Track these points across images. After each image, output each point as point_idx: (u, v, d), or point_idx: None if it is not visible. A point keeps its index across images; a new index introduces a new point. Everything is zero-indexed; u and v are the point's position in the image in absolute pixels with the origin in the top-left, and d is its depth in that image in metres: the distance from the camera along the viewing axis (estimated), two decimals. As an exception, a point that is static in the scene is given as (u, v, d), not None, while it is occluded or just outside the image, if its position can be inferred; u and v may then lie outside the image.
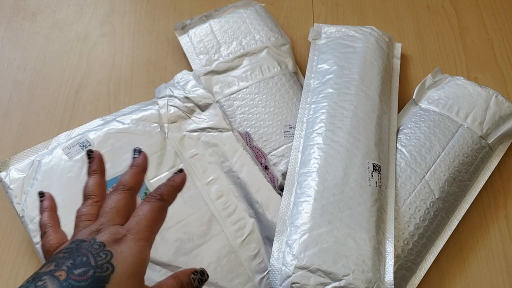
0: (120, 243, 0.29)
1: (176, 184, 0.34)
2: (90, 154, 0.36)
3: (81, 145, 0.49)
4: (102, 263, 0.27)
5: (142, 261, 0.29)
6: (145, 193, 0.47)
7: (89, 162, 0.36)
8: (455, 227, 0.49)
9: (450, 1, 0.69)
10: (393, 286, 0.42)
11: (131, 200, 0.33)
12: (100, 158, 0.36)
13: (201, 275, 0.33)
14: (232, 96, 0.55)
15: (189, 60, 0.59)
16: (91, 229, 0.30)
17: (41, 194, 0.37)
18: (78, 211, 0.33)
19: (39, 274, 0.26)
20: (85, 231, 0.30)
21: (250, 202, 0.48)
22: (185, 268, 0.43)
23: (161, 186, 0.33)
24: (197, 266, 0.44)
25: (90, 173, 0.35)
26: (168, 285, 0.31)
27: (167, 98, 0.53)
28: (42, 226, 0.34)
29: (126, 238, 0.29)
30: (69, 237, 0.33)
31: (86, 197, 0.34)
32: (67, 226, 0.45)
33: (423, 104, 0.54)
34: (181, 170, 0.35)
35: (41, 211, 0.36)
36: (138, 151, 0.36)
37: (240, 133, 0.53)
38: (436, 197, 0.47)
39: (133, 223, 0.30)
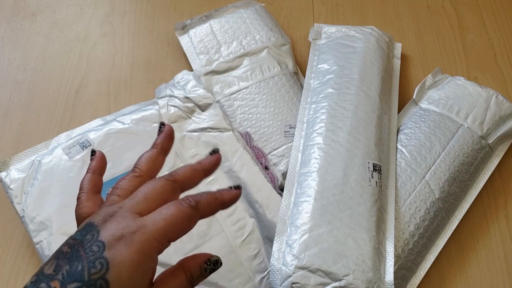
0: (123, 243, 0.26)
1: (222, 199, 0.30)
2: (161, 127, 0.33)
3: (81, 145, 0.49)
4: (96, 279, 0.24)
5: (144, 273, 0.26)
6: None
7: (159, 133, 0.33)
8: (455, 227, 0.49)
9: (450, 1, 0.69)
10: (393, 286, 0.42)
11: (170, 194, 0.29)
12: (169, 133, 0.33)
13: (214, 265, 0.29)
14: (232, 96, 0.55)
15: (189, 60, 0.59)
16: (109, 210, 0.28)
17: (93, 152, 0.34)
18: (119, 180, 0.31)
19: (40, 276, 0.25)
20: (104, 210, 0.28)
21: (250, 202, 0.48)
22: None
23: (203, 194, 0.29)
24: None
25: (153, 144, 0.33)
26: (177, 282, 0.28)
27: (167, 98, 0.53)
28: (79, 188, 0.32)
29: (133, 238, 0.26)
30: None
31: (133, 167, 0.31)
32: (68, 225, 0.45)
33: (423, 104, 0.54)
34: (238, 187, 0.31)
35: (87, 171, 0.33)
36: (215, 151, 0.33)
37: (240, 133, 0.53)
38: (436, 197, 0.47)
39: (150, 219, 0.27)
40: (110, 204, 0.29)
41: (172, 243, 0.29)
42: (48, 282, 0.24)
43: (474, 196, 0.51)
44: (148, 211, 0.28)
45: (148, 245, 0.26)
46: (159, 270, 0.44)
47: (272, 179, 0.50)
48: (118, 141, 0.49)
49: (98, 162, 0.34)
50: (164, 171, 0.48)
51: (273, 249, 0.44)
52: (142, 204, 0.28)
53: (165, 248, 0.28)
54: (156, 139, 0.33)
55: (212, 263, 0.29)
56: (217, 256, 0.30)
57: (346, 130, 0.48)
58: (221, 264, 0.30)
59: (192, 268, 0.29)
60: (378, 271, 0.42)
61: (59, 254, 0.26)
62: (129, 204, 0.28)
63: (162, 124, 0.34)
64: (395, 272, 0.44)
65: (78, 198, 0.31)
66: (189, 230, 0.28)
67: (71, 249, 0.26)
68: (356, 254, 0.42)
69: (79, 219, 0.30)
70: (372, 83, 0.53)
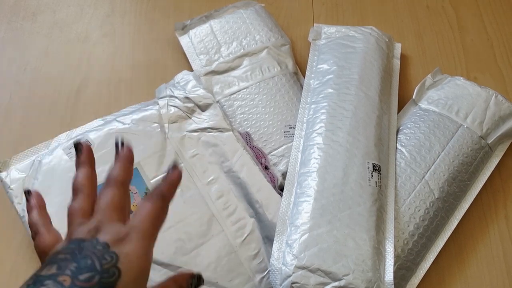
0: (125, 243, 0.27)
1: (174, 180, 0.33)
2: (77, 146, 0.34)
3: (82, 145, 0.49)
4: (108, 268, 0.25)
5: (148, 262, 0.28)
6: (145, 193, 0.47)
7: (77, 155, 0.34)
8: (455, 227, 0.49)
9: (449, 1, 0.69)
10: (393, 286, 0.42)
11: (125, 195, 0.32)
12: (89, 150, 0.34)
13: (198, 280, 0.32)
14: (232, 96, 0.55)
15: (190, 60, 0.59)
16: (88, 227, 0.28)
17: (28, 192, 0.35)
18: (70, 207, 0.31)
19: (40, 277, 0.24)
20: (82, 229, 0.28)
21: (250, 202, 0.48)
22: (185, 268, 0.44)
23: (160, 185, 0.32)
24: (198, 265, 0.44)
25: (78, 165, 0.33)
26: None
27: (168, 98, 0.53)
28: (32, 225, 0.32)
29: (131, 237, 0.27)
30: (63, 236, 0.31)
31: (76, 191, 0.32)
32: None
33: (423, 104, 0.54)
34: (175, 167, 0.34)
35: (29, 209, 0.34)
36: (121, 143, 0.34)
37: (240, 133, 0.53)
38: (436, 197, 0.47)
39: (136, 221, 0.29)
40: (80, 224, 0.29)
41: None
42: (54, 278, 0.24)
43: (474, 196, 0.51)
44: (122, 217, 0.30)
45: (145, 239, 0.28)
46: (161, 270, 0.44)
47: (272, 179, 0.50)
48: (118, 141, 0.49)
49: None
50: (164, 172, 0.49)
51: (273, 249, 0.44)
52: (115, 214, 0.29)
53: (156, 239, 0.30)
54: (78, 158, 0.34)
55: (196, 278, 0.32)
56: (199, 273, 0.32)
57: (346, 130, 0.49)
58: (203, 281, 0.32)
59: (180, 280, 0.31)
60: (377, 271, 0.42)
61: (56, 259, 0.26)
62: (104, 217, 0.29)
63: (78, 144, 0.34)
64: (394, 272, 0.44)
65: (36, 233, 0.32)
66: (166, 216, 0.31)
67: (71, 251, 0.26)
68: (355, 254, 0.42)
69: (42, 252, 0.30)
70: (371, 83, 0.53)
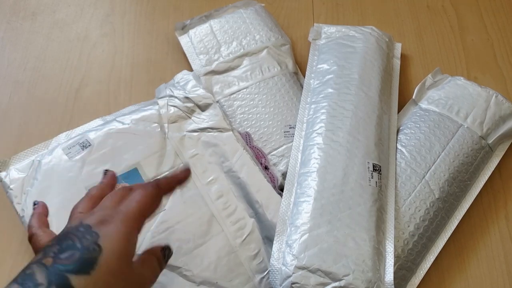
0: (107, 224, 0.29)
1: (178, 177, 0.36)
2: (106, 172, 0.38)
3: (81, 145, 0.49)
4: (88, 245, 0.27)
5: (130, 243, 0.29)
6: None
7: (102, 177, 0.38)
8: (455, 227, 0.49)
9: (450, 1, 0.69)
10: (393, 286, 0.42)
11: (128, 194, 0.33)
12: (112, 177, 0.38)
13: (169, 251, 0.35)
14: (232, 96, 0.55)
15: (189, 60, 0.59)
16: (80, 217, 0.30)
17: (35, 203, 0.38)
18: (74, 207, 0.34)
19: (28, 264, 0.27)
20: (75, 220, 0.30)
21: (250, 202, 0.48)
22: (185, 267, 0.44)
23: (162, 177, 0.35)
24: (197, 266, 0.44)
25: (100, 184, 0.37)
26: (151, 263, 0.32)
27: (167, 98, 0.53)
28: (29, 227, 0.34)
29: (114, 220, 0.29)
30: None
31: (84, 196, 0.35)
32: (67, 226, 0.45)
33: (423, 104, 0.54)
34: (187, 170, 0.37)
35: (31, 216, 0.36)
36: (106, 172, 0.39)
37: (240, 133, 0.53)
38: (436, 197, 0.47)
39: (123, 206, 0.31)
40: (77, 218, 0.31)
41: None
42: (39, 262, 0.26)
43: (474, 196, 0.51)
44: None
45: (129, 221, 0.30)
46: (163, 271, 0.44)
47: (272, 179, 0.50)
48: (118, 141, 0.49)
49: (43, 207, 0.37)
50: (163, 172, 0.49)
51: (273, 249, 0.44)
52: (111, 205, 0.32)
53: (142, 226, 0.31)
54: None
55: (166, 249, 0.34)
56: (167, 244, 0.35)
57: (346, 130, 0.48)
58: (172, 252, 0.36)
59: (156, 252, 0.34)
60: (378, 271, 0.42)
61: (44, 247, 0.28)
62: (99, 208, 0.32)
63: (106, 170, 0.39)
64: (395, 272, 0.44)
65: (32, 235, 0.33)
66: (157, 206, 0.33)
67: (57, 238, 0.28)
68: (356, 254, 0.42)
69: (37, 251, 0.32)
70: (372, 83, 0.53)
